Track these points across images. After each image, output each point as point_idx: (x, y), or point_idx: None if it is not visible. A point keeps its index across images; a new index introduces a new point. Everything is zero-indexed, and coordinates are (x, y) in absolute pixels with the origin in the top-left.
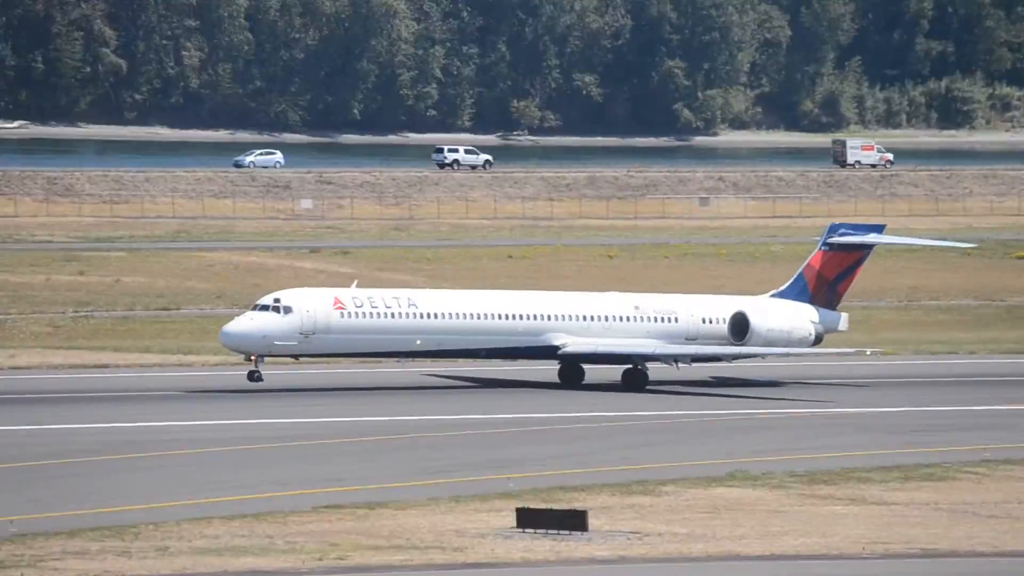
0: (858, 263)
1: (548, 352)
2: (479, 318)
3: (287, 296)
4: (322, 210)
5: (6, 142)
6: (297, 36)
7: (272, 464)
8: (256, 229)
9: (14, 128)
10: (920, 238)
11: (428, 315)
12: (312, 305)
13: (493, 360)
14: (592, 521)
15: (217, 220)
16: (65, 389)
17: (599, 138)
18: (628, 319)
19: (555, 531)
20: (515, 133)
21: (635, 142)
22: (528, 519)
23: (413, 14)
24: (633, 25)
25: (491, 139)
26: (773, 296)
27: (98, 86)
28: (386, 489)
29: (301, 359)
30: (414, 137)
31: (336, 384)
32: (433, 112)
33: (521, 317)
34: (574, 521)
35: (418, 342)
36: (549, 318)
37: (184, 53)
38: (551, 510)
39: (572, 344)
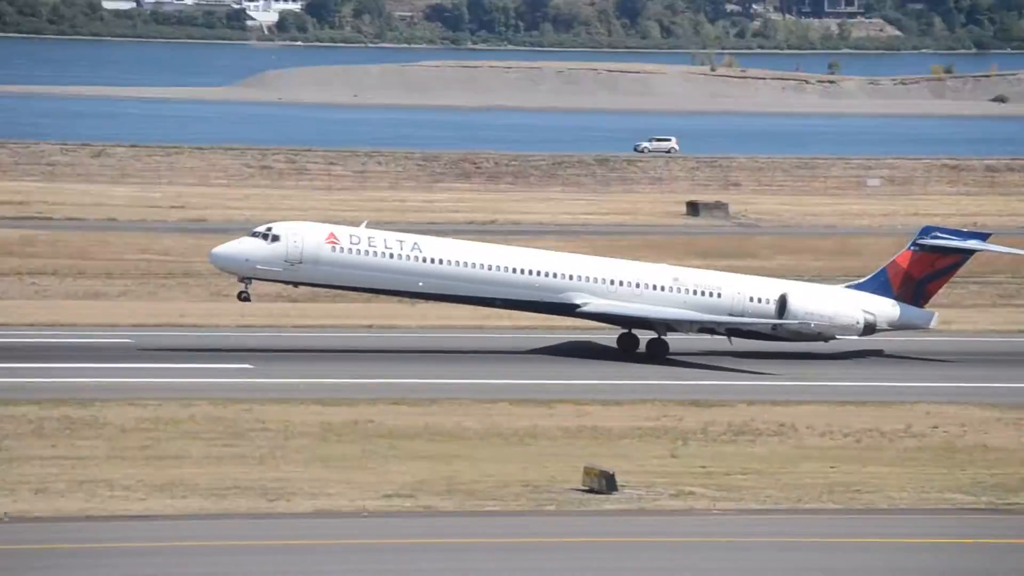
0: (954, 266)
1: (567, 309)
2: (492, 269)
3: (279, 226)
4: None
5: None
6: None
7: None
8: None
9: None
10: None
11: (433, 260)
12: (302, 236)
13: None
14: None
15: None
16: None
17: None
18: (663, 288)
19: None
20: None
21: None
22: None
23: None
24: None
25: None
26: (848, 287)
27: None
28: None
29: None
30: None
31: None
32: None
33: (540, 273)
34: None
35: (421, 284)
36: (571, 277)
37: None
38: None
39: (593, 304)
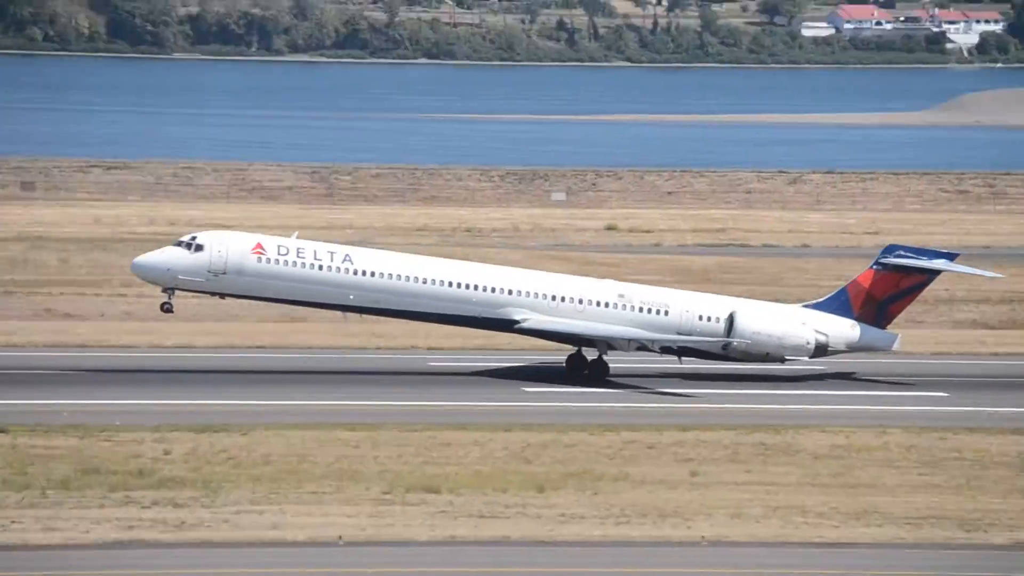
0: (918, 287)
1: (505, 325)
2: (427, 283)
3: (203, 235)
4: None
5: None
6: None
7: None
8: None
9: None
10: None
11: (364, 272)
12: (226, 247)
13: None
14: None
15: None
16: None
17: None
18: (608, 305)
19: None
20: None
21: None
22: None
23: None
24: None
25: None
26: (806, 306)
27: None
28: None
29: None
30: None
31: None
32: None
33: (477, 288)
34: None
35: (351, 297)
36: (510, 292)
37: None
38: None
39: (532, 321)
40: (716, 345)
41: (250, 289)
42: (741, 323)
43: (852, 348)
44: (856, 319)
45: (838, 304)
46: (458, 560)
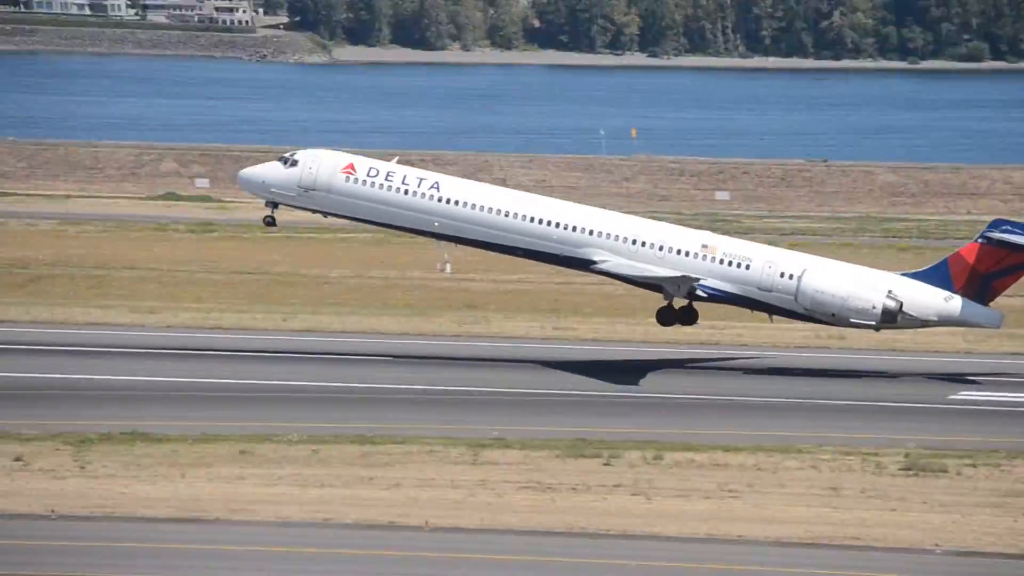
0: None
1: (583, 265)
2: (510, 216)
3: (301, 152)
4: None
5: None
6: None
7: None
8: None
9: None
10: None
11: (450, 201)
12: (318, 164)
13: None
14: None
15: None
16: None
17: None
18: (688, 254)
19: None
20: None
21: None
22: None
23: None
24: None
25: None
26: (903, 275)
27: None
28: None
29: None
30: None
31: None
32: None
33: (559, 225)
34: None
35: (436, 224)
36: (591, 233)
37: None
38: None
39: (610, 263)
40: (790, 303)
41: (338, 207)
42: (805, 281)
43: (947, 322)
44: (958, 292)
45: (938, 275)
46: None
